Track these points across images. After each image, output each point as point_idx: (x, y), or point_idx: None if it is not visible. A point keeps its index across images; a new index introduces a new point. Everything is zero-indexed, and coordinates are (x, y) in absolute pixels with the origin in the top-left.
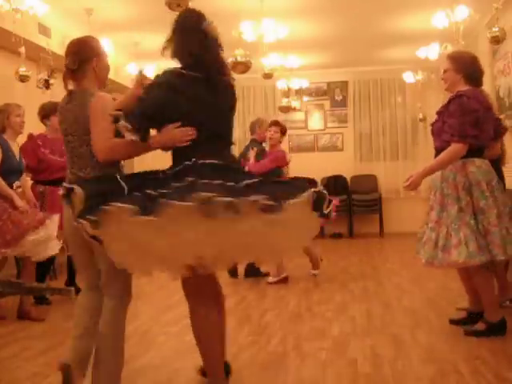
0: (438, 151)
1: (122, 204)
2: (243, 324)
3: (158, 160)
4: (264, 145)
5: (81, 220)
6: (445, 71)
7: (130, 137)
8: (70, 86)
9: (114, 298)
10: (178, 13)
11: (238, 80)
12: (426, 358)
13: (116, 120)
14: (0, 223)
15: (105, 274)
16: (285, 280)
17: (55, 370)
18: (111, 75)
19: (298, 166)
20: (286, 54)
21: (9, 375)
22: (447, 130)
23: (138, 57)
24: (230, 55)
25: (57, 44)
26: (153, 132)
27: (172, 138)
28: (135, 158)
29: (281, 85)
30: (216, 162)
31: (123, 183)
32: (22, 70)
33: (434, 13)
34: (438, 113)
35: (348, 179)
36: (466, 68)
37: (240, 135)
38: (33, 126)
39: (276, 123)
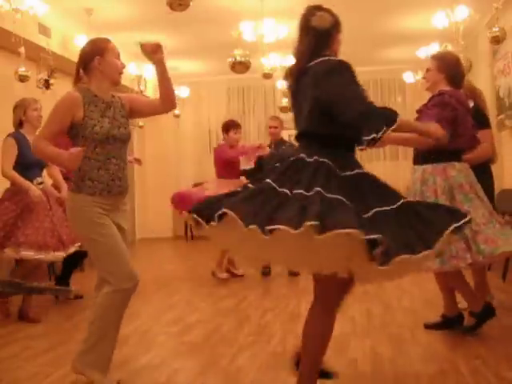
0: (418, 151)
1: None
2: (243, 324)
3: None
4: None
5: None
6: (427, 70)
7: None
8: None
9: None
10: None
11: (238, 80)
12: (426, 358)
13: None
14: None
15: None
16: (233, 276)
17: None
18: None
19: None
20: (285, 54)
21: (9, 375)
22: (424, 118)
23: (138, 57)
24: (229, 55)
25: (57, 44)
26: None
27: None
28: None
29: (281, 85)
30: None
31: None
32: (22, 70)
33: (434, 13)
34: (418, 111)
35: None
36: (450, 69)
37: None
38: None
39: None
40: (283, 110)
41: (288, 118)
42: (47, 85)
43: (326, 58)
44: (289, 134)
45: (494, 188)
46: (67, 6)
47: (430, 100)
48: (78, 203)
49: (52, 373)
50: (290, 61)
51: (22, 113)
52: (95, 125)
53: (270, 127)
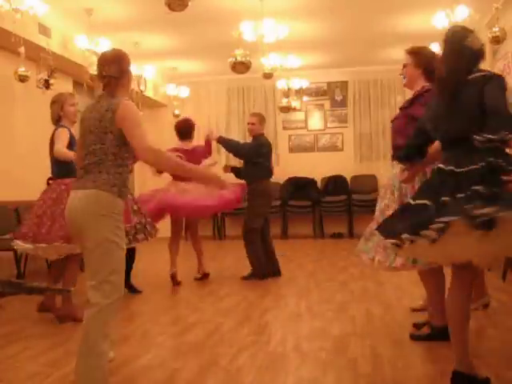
0: (400, 149)
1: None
2: (243, 324)
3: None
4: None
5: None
6: (404, 66)
7: None
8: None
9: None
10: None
11: (238, 80)
12: (426, 358)
13: None
14: None
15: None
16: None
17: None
18: None
19: (298, 166)
20: (285, 54)
21: (9, 375)
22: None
23: (138, 57)
24: (229, 55)
25: (57, 44)
26: None
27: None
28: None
29: (281, 85)
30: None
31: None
32: (22, 70)
33: (434, 13)
34: (402, 108)
35: (348, 179)
36: (427, 63)
37: (239, 135)
38: (34, 125)
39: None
40: (283, 110)
41: (288, 117)
42: (47, 85)
43: (488, 72)
44: (289, 133)
45: None
46: (67, 6)
47: (415, 97)
48: (115, 208)
49: (52, 373)
50: (290, 61)
51: (59, 108)
52: None
53: (248, 123)
